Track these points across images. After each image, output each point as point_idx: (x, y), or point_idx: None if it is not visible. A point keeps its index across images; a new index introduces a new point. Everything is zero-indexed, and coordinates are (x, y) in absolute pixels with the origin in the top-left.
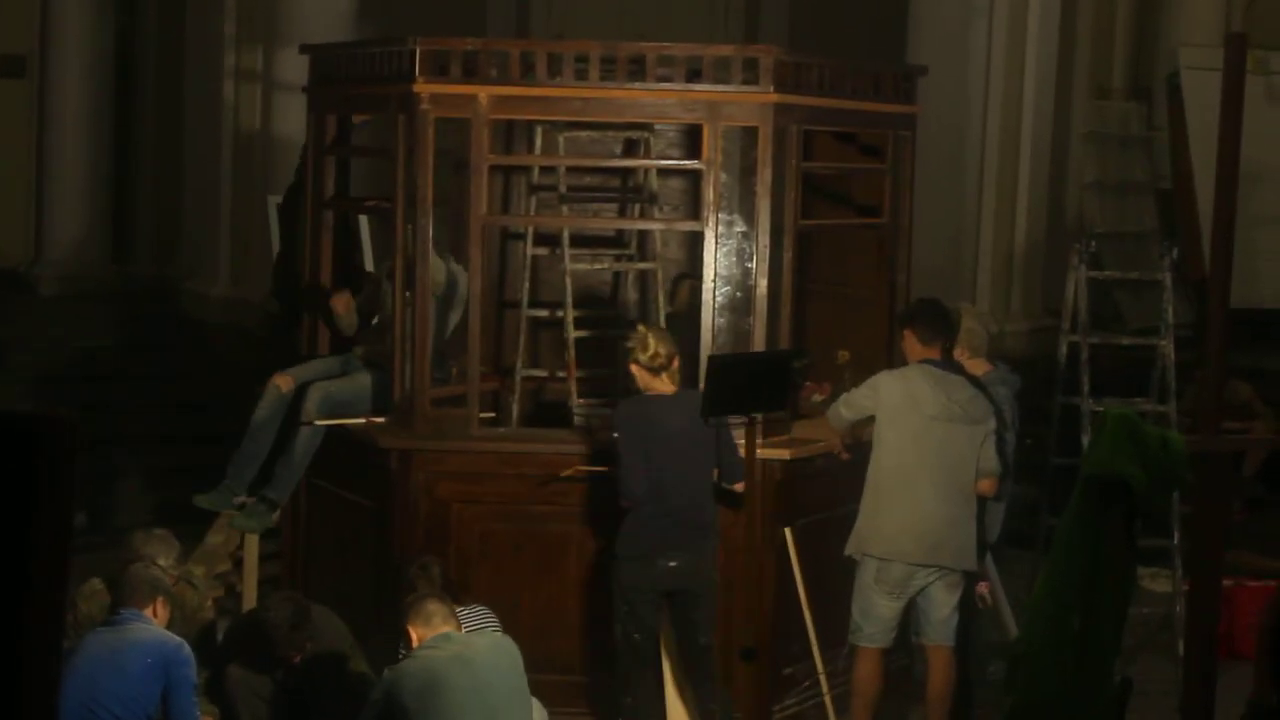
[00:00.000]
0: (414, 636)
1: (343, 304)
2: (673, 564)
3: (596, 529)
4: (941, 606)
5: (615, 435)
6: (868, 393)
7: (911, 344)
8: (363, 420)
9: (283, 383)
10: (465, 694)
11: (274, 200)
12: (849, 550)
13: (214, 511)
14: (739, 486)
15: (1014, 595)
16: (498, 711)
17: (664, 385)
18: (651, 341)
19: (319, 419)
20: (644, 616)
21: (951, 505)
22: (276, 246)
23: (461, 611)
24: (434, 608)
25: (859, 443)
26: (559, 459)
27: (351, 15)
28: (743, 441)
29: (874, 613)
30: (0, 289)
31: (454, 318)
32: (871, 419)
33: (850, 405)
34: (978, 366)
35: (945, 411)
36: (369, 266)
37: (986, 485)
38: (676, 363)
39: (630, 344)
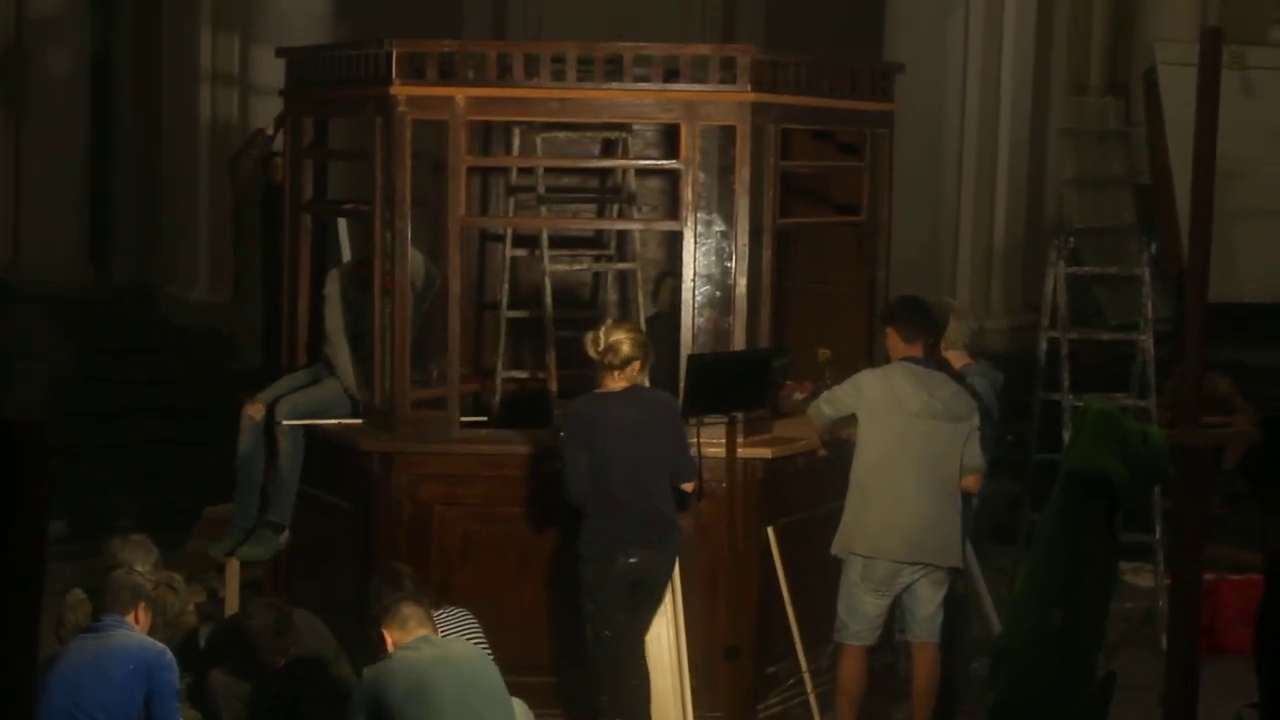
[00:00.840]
0: (389, 640)
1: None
2: (633, 560)
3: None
4: (927, 604)
5: (561, 435)
6: (850, 390)
7: (894, 341)
8: (334, 421)
9: (254, 411)
10: (453, 695)
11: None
12: (834, 549)
13: (196, 517)
14: (688, 486)
15: (996, 591)
16: (486, 714)
17: (616, 384)
18: (603, 336)
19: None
20: (612, 614)
21: (935, 502)
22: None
23: (440, 614)
24: (409, 611)
25: (838, 441)
26: (540, 460)
27: (328, 18)
28: (721, 440)
29: (859, 610)
30: None
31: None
32: (853, 417)
33: (832, 403)
34: (956, 359)
35: (927, 409)
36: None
37: (971, 481)
38: (637, 365)
39: (593, 339)
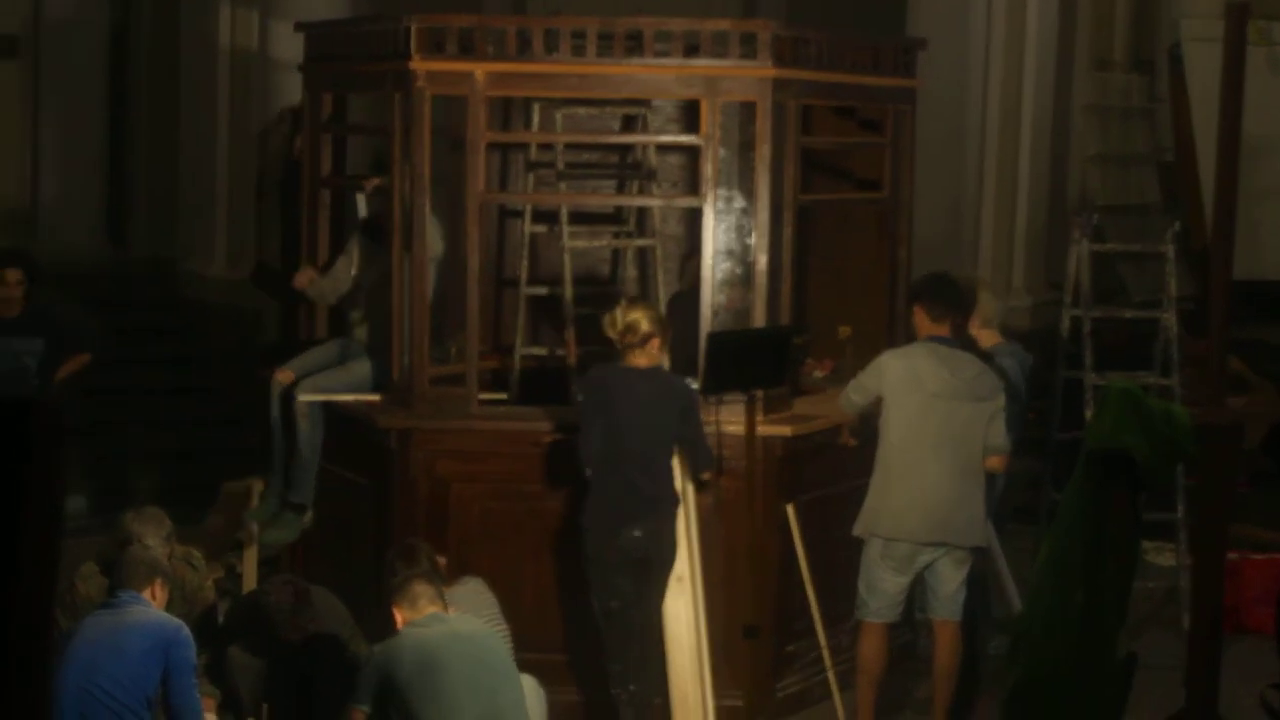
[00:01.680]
0: (399, 618)
1: (305, 279)
2: (637, 534)
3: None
4: (949, 582)
5: (580, 398)
6: (873, 373)
7: (921, 320)
8: (350, 397)
9: (284, 377)
10: (462, 671)
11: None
12: (857, 530)
13: (215, 493)
14: (705, 476)
15: (1018, 570)
16: (496, 690)
17: (637, 360)
18: (620, 317)
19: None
20: (618, 584)
21: (958, 483)
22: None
23: (455, 589)
24: (420, 589)
25: (866, 427)
26: (558, 437)
27: None
28: (741, 418)
29: (880, 587)
30: None
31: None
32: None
33: (859, 390)
34: (988, 338)
35: (949, 389)
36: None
37: (996, 462)
38: (657, 341)
39: (616, 311)
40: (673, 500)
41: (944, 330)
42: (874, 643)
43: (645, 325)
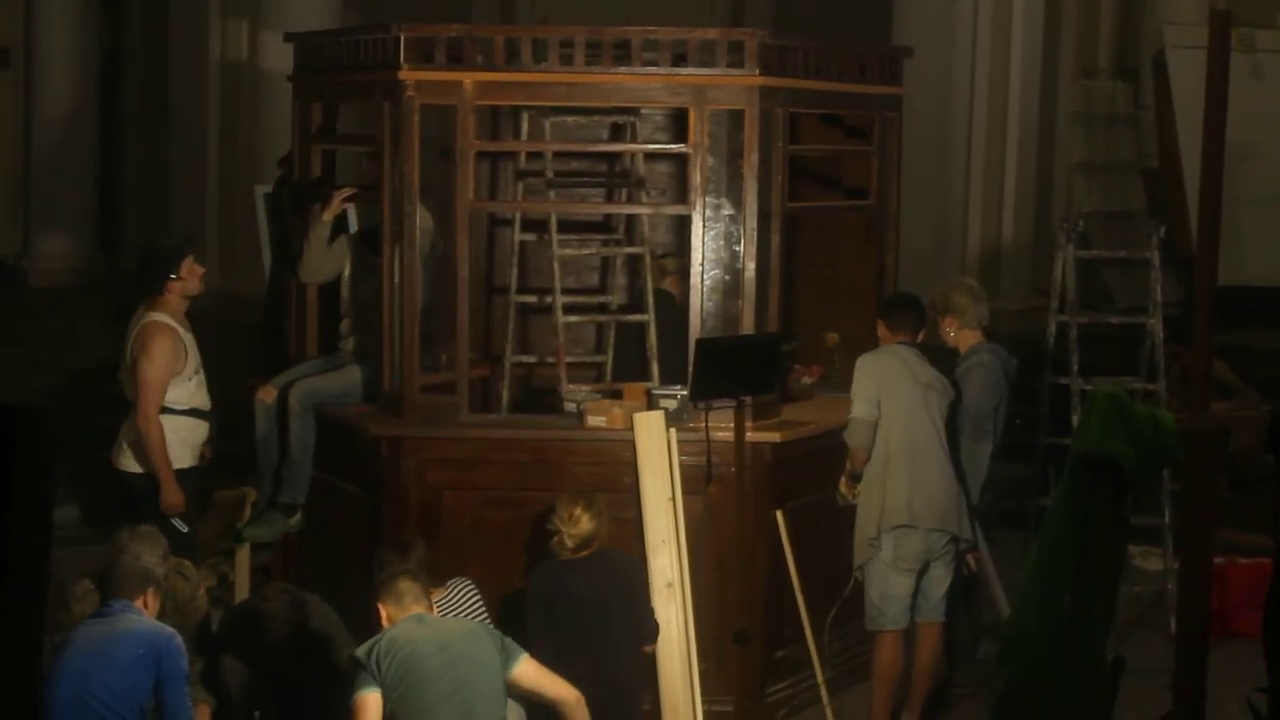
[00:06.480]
0: (384, 615)
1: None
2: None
3: None
4: (941, 584)
5: (530, 610)
6: (867, 377)
7: (883, 331)
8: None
9: (266, 395)
10: (442, 675)
11: (261, 190)
12: (870, 534)
13: (207, 500)
14: (649, 648)
15: (1006, 575)
16: (472, 705)
17: (579, 555)
18: (581, 519)
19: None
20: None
21: (949, 472)
22: (265, 237)
23: (446, 592)
24: (405, 586)
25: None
26: (549, 445)
27: (336, 3)
28: (730, 424)
29: (893, 592)
30: None
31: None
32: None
33: (864, 402)
34: (967, 339)
35: (936, 382)
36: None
37: None
38: (597, 543)
39: (559, 517)
40: (641, 687)
41: (904, 340)
42: (894, 651)
43: (592, 528)
